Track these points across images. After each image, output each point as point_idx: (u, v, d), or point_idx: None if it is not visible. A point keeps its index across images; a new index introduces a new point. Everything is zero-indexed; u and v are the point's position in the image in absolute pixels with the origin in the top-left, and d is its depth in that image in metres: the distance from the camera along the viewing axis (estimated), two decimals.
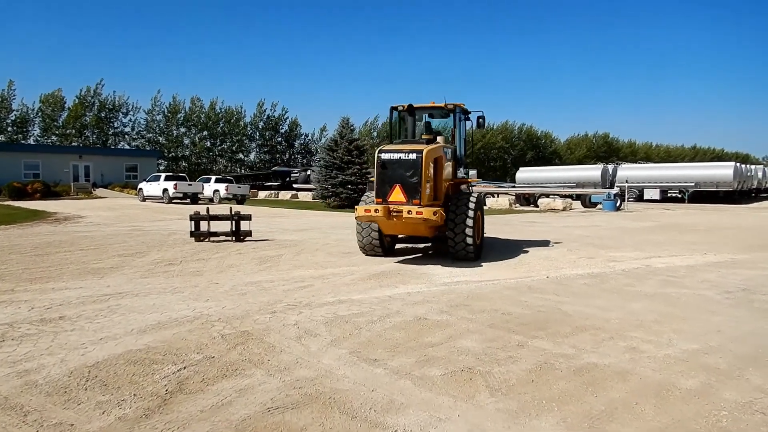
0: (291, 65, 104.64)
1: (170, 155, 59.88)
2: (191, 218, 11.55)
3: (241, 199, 31.70)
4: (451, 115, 10.42)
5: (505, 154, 74.23)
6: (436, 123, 10.90)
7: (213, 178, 33.43)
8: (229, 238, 11.82)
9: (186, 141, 61.94)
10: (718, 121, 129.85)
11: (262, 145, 67.51)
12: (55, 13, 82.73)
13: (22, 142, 50.71)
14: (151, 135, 60.09)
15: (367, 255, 9.71)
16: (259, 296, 6.46)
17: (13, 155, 40.16)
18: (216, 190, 31.64)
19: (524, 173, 44.46)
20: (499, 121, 78.94)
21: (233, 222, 11.69)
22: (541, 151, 79.53)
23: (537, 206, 29.88)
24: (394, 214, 8.36)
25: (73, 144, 52.49)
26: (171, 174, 32.13)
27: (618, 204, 26.82)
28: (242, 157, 66.53)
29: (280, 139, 68.86)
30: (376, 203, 8.60)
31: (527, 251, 10.67)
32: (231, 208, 11.84)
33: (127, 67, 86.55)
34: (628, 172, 39.78)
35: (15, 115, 52.73)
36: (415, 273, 8.11)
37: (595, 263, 9.19)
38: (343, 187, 28.27)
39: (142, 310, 5.74)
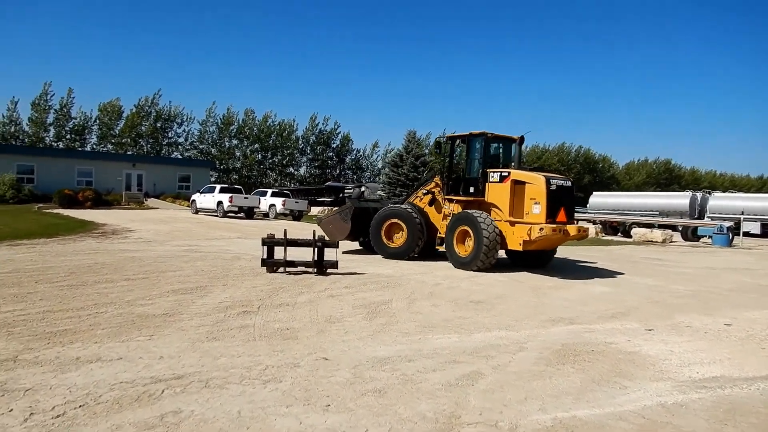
0: (343, 77, 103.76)
1: (221, 167, 58.90)
2: (264, 243, 9.06)
3: (297, 216, 29.24)
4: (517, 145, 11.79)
5: None
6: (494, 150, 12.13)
7: (269, 191, 31.11)
8: (309, 269, 9.26)
9: (237, 153, 60.95)
10: None
11: (312, 159, 65.89)
12: (117, 24, 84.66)
13: (79, 149, 50.58)
14: (203, 146, 59.34)
15: (480, 268, 10.28)
16: (408, 399, 3.76)
17: (67, 161, 39.47)
18: (272, 205, 29.30)
19: (599, 198, 40.69)
20: (555, 143, 75.35)
21: (315, 249, 9.14)
22: (598, 175, 75.11)
23: (629, 236, 26.28)
24: (565, 231, 10.02)
25: (128, 153, 52.07)
26: (226, 186, 29.93)
27: (731, 238, 23.03)
28: (293, 170, 65.04)
29: (331, 153, 67.11)
30: (547, 223, 9.86)
31: (730, 312, 7.61)
32: (314, 232, 9.28)
33: (184, 79, 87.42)
34: (721, 201, 35.54)
35: (74, 122, 52.91)
36: (614, 352, 5.25)
37: None
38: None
39: (222, 428, 3.13)
